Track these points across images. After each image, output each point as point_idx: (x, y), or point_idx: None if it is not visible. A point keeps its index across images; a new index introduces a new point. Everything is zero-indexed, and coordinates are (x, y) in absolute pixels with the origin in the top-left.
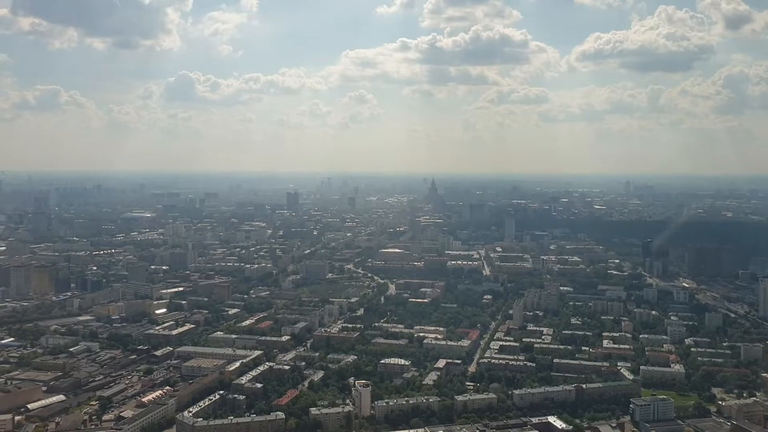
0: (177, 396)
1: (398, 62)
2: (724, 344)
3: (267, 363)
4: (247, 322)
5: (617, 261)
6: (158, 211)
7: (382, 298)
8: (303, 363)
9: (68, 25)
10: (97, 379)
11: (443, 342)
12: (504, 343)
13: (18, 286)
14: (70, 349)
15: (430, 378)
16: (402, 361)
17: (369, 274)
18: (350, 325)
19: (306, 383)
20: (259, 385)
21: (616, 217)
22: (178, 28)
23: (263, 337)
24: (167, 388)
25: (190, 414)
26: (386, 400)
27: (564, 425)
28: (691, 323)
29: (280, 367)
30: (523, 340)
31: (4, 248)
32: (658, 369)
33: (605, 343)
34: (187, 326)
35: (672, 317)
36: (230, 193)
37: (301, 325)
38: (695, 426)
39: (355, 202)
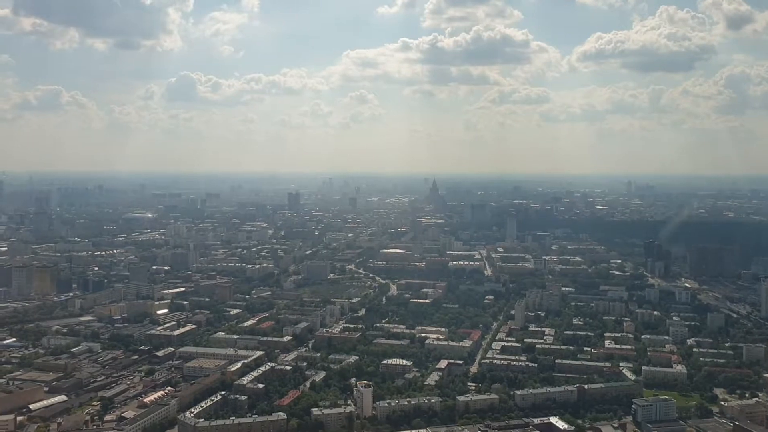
0: (179, 396)
1: (399, 62)
2: (726, 345)
3: (268, 363)
4: (249, 322)
5: (619, 261)
6: (160, 212)
7: (384, 299)
8: (304, 363)
9: (69, 26)
10: (98, 379)
11: (445, 342)
12: (506, 344)
13: (19, 287)
14: (72, 350)
15: (432, 378)
16: (404, 362)
17: (370, 275)
18: (352, 326)
19: (307, 384)
20: (260, 386)
21: (617, 218)
22: (179, 29)
23: (265, 338)
24: (169, 388)
25: (192, 414)
26: (388, 401)
27: (566, 426)
28: (693, 324)
29: (282, 367)
30: (525, 340)
31: (6, 249)
32: (660, 369)
33: (607, 343)
34: (189, 327)
35: (674, 317)
36: (232, 193)
37: (302, 326)
38: (697, 426)
39: (357, 203)
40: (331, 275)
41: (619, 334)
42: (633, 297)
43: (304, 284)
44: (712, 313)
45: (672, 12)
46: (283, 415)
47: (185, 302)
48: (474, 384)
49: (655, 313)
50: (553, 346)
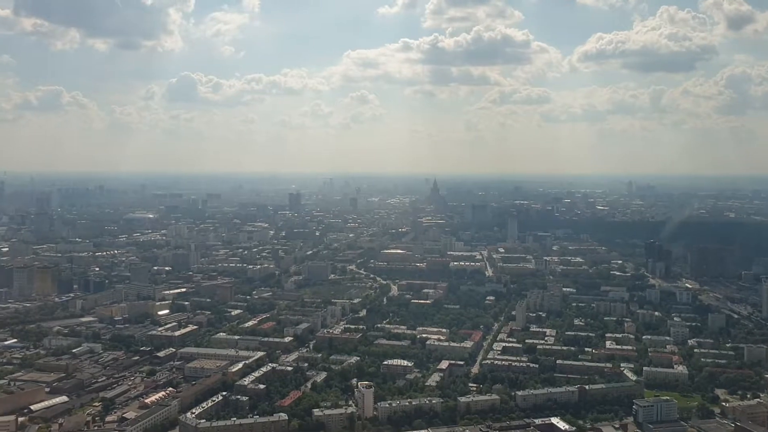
0: (180, 397)
1: (400, 63)
2: (728, 345)
3: (270, 364)
4: (250, 323)
5: (620, 262)
6: (161, 212)
7: (385, 299)
8: (306, 364)
9: (70, 26)
10: (100, 380)
11: (446, 343)
12: (507, 344)
13: (21, 287)
14: (73, 351)
15: (433, 379)
16: (405, 363)
17: (371, 275)
18: (353, 326)
19: (309, 384)
20: (261, 387)
21: (618, 218)
22: (180, 29)
23: (266, 338)
24: (170, 389)
25: (193, 415)
26: (389, 402)
27: (567, 426)
28: (694, 324)
29: (283, 368)
30: (526, 341)
31: (7, 249)
32: (661, 370)
33: (608, 344)
34: (190, 327)
35: (675, 318)
36: (232, 193)
37: (303, 326)
38: (699, 427)
39: (357, 203)
40: (332, 276)
41: (620, 335)
42: (634, 297)
43: (305, 285)
44: (713, 314)
45: (673, 12)
46: (284, 416)
47: (186, 303)
48: (475, 385)
49: (656, 313)
50: (554, 347)
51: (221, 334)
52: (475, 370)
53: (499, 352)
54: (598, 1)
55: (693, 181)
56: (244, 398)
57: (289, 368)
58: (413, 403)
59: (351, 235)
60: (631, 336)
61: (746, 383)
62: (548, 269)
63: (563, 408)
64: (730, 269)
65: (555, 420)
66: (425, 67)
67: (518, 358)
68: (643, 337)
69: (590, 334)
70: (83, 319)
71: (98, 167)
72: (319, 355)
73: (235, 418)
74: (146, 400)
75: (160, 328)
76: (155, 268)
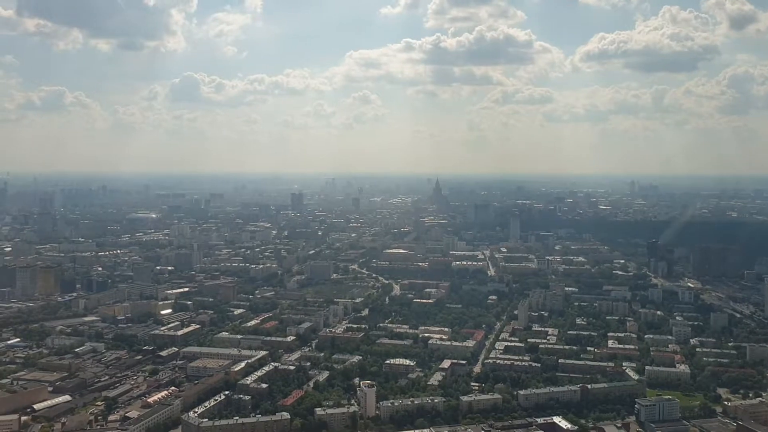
0: (182, 396)
1: (402, 63)
2: (730, 344)
3: (272, 363)
4: (253, 322)
5: (622, 261)
6: (163, 212)
7: (387, 299)
8: (308, 363)
9: (73, 27)
10: (102, 379)
11: (448, 342)
12: (509, 344)
13: (23, 287)
14: (76, 350)
15: (435, 378)
16: (407, 362)
17: (373, 275)
18: (355, 326)
19: (311, 383)
20: (264, 386)
21: (621, 218)
22: (182, 30)
23: (268, 338)
24: (173, 388)
25: (196, 414)
26: (391, 401)
27: (569, 426)
28: (696, 323)
29: (286, 367)
30: (528, 340)
31: (10, 249)
32: (663, 369)
33: (610, 343)
34: (193, 327)
35: (677, 317)
36: (235, 193)
37: (306, 326)
38: (701, 426)
39: (360, 203)
40: (335, 275)
41: (622, 334)
42: (636, 297)
43: (308, 284)
44: (716, 313)
45: (675, 12)
46: (286, 415)
47: (189, 302)
48: (477, 384)
49: (659, 312)
50: (556, 346)
51: (224, 333)
52: (477, 369)
53: (501, 352)
54: (601, 1)
55: (695, 181)
56: (247, 397)
57: (292, 367)
58: (415, 402)
59: (353, 235)
60: (634, 335)
61: (748, 382)
62: (550, 269)
63: (565, 407)
64: (733, 268)
65: (557, 419)
66: (427, 67)
67: (520, 357)
68: (646, 336)
69: (592, 334)
70: (86, 319)
71: (101, 167)
72: (322, 354)
73: (237, 418)
74: (149, 400)
75: (162, 328)
76: (158, 267)
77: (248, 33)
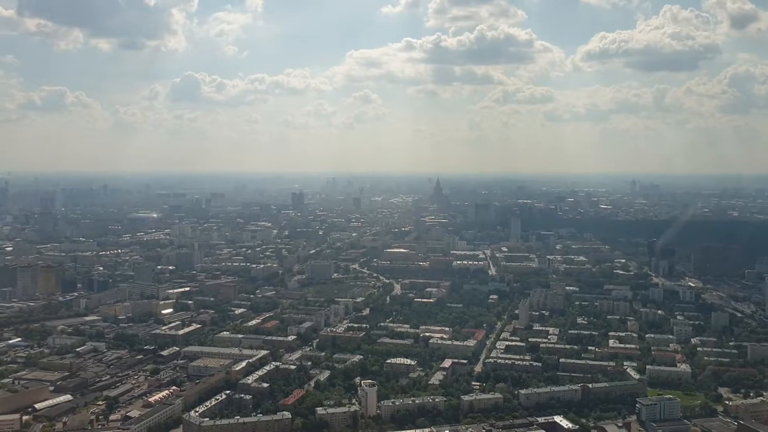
0: (183, 396)
1: (403, 62)
2: (731, 344)
3: (273, 363)
4: (254, 321)
5: (623, 260)
6: (164, 212)
7: (388, 298)
8: (309, 363)
9: (74, 26)
10: (103, 379)
11: (449, 342)
12: (510, 343)
13: (25, 287)
14: (77, 349)
15: (436, 378)
16: (408, 361)
17: (374, 274)
18: (356, 325)
19: (312, 383)
20: (265, 385)
21: (621, 217)
22: (183, 29)
23: (269, 337)
24: (174, 387)
25: (197, 414)
26: (392, 400)
27: (570, 425)
28: (697, 323)
29: (287, 366)
30: (529, 339)
31: (11, 249)
32: (664, 368)
33: (611, 342)
34: (194, 326)
35: (678, 317)
36: (236, 193)
37: (307, 325)
38: (702, 426)
39: (360, 202)
40: (335, 275)
41: (623, 334)
42: (637, 296)
43: (309, 284)
44: (717, 312)
45: (676, 11)
46: (287, 415)
47: (190, 302)
48: (478, 383)
49: (660, 312)
50: (557, 346)
51: (225, 332)
52: (478, 368)
53: (502, 351)
54: (602, 1)
55: (696, 180)
56: (248, 397)
57: (293, 367)
58: (416, 401)
59: (354, 235)
60: (634, 334)
61: (749, 382)
62: (551, 268)
63: (566, 406)
64: (734, 268)
65: (558, 418)
66: (428, 67)
67: (521, 356)
68: (646, 335)
69: (593, 333)
70: (87, 318)
71: (102, 167)
72: (323, 353)
73: (238, 417)
74: (150, 399)
75: (163, 327)
76: (159, 267)
77: (249, 32)
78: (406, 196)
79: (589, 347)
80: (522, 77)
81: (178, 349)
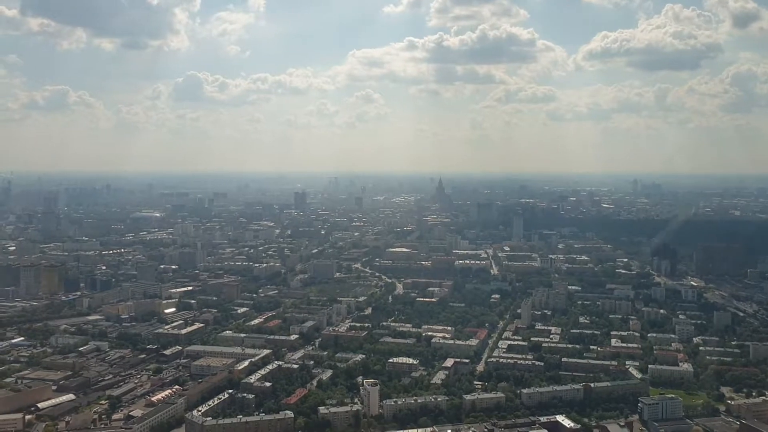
0: (186, 395)
1: (405, 61)
2: (733, 343)
3: (276, 362)
4: (256, 321)
5: (625, 260)
6: (167, 211)
7: (390, 298)
8: (311, 362)
9: (76, 26)
10: (106, 378)
11: (451, 341)
12: (512, 342)
13: (28, 286)
14: (80, 349)
15: (438, 377)
16: (410, 360)
17: (377, 274)
18: (358, 324)
19: (314, 382)
20: (267, 384)
21: (624, 216)
22: (186, 29)
23: (272, 336)
24: (176, 387)
25: (200, 413)
26: (394, 399)
27: (572, 424)
28: (699, 322)
29: (289, 366)
30: (532, 339)
31: (14, 248)
32: (666, 368)
33: (613, 341)
34: (196, 325)
35: (680, 316)
36: (238, 192)
37: (309, 324)
38: (704, 425)
39: (363, 202)
40: (338, 274)
41: (625, 333)
42: (639, 295)
43: (311, 283)
44: (719, 312)
45: (678, 10)
46: (290, 414)
47: (193, 301)
48: (480, 382)
49: (662, 311)
50: (559, 345)
51: (227, 332)
52: (480, 368)
53: (504, 350)
54: (603, 0)
55: (698, 180)
56: (250, 396)
57: (295, 366)
58: (418, 400)
59: (356, 234)
60: (637, 334)
61: (752, 381)
62: (553, 267)
63: (568, 406)
64: (736, 267)
65: (560, 418)
66: (430, 66)
67: (523, 356)
68: (649, 334)
69: (595, 332)
70: (90, 318)
71: (105, 166)
72: (325, 353)
73: (241, 416)
74: (153, 398)
75: (166, 327)
76: (162, 266)
77: (251, 32)
78: (409, 195)
79: (592, 346)
80: (524, 76)
81: (180, 348)
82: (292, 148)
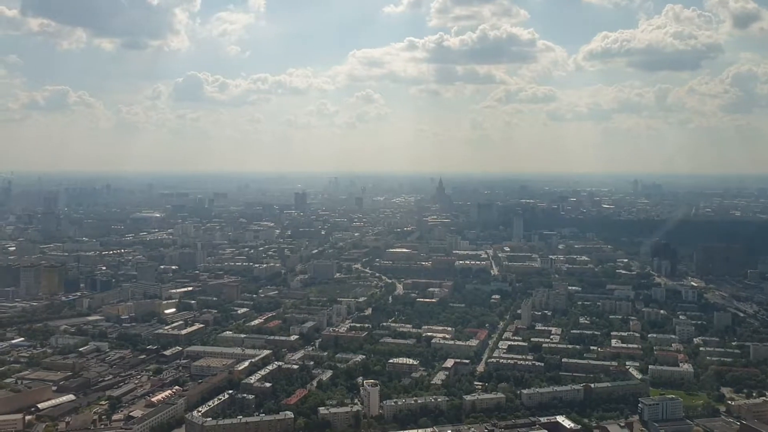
0: (186, 395)
1: (405, 62)
2: (733, 343)
3: (276, 362)
4: (256, 321)
5: (626, 260)
6: (167, 211)
7: (390, 298)
8: (311, 362)
9: (77, 26)
10: (106, 378)
11: (451, 342)
12: (512, 343)
13: (28, 286)
14: (80, 349)
15: (439, 378)
16: (410, 361)
17: (377, 274)
18: (358, 325)
19: (314, 383)
20: (267, 385)
21: (624, 217)
22: (186, 29)
23: (272, 337)
24: (176, 387)
25: (199, 413)
26: (394, 400)
27: (572, 425)
28: (699, 322)
29: (289, 366)
30: (532, 339)
31: (14, 248)
32: (666, 368)
33: (614, 342)
34: (197, 326)
35: (680, 316)
36: (239, 193)
37: (309, 325)
38: (704, 425)
39: (363, 202)
40: (338, 274)
41: (625, 333)
42: (639, 296)
43: (311, 283)
44: (719, 312)
45: (678, 11)
46: (290, 414)
47: (193, 301)
48: (480, 383)
49: (662, 312)
50: (559, 345)
51: (227, 332)
52: (480, 368)
53: (504, 351)
54: (604, 0)
55: (699, 180)
56: (250, 396)
57: (295, 366)
58: (419, 401)
59: (356, 234)
60: (637, 334)
61: (752, 381)
62: (554, 268)
63: (569, 406)
64: (736, 267)
65: (560, 418)
66: (430, 66)
67: (524, 356)
68: (649, 335)
69: (596, 333)
70: (90, 318)
71: (105, 167)
72: (325, 353)
73: (241, 417)
74: (153, 399)
75: (166, 327)
76: (162, 266)
77: (251, 32)
78: (409, 195)
79: (592, 347)
80: (524, 77)
81: (180, 348)
82: (292, 149)
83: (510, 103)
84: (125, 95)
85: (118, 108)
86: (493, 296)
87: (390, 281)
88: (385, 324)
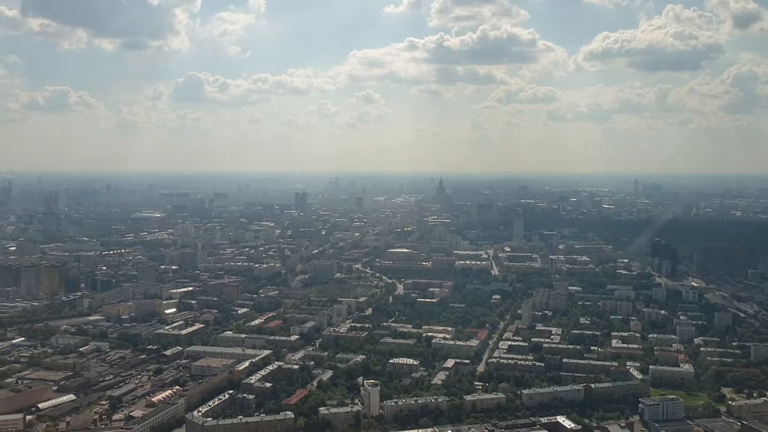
0: (186, 395)
1: (406, 62)
2: (734, 344)
3: (276, 362)
4: (257, 321)
5: (626, 260)
6: (168, 211)
7: (391, 298)
8: (312, 362)
9: (77, 26)
10: (107, 378)
11: (452, 342)
12: (513, 343)
13: (28, 286)
14: (80, 349)
15: (439, 378)
16: (410, 361)
17: (377, 274)
18: (359, 325)
19: (315, 383)
20: (268, 385)
21: (624, 217)
22: (186, 29)
23: (272, 337)
24: (177, 387)
25: (200, 413)
26: (395, 400)
27: (573, 425)
28: (700, 323)
29: (289, 366)
30: (532, 339)
31: (15, 248)
32: (667, 369)
33: (614, 342)
34: (197, 326)
35: (681, 317)
36: (239, 193)
37: (309, 325)
38: (705, 426)
39: (363, 202)
40: (338, 274)
41: (626, 334)
42: (640, 296)
43: (311, 283)
44: (720, 312)
45: (678, 11)
46: (290, 414)
47: (193, 301)
48: (481, 383)
49: (662, 312)
50: (560, 346)
51: (228, 332)
52: (480, 368)
53: (504, 351)
54: (604, 0)
55: (699, 180)
56: (251, 396)
57: (296, 367)
58: (419, 401)
59: (357, 234)
60: (637, 334)
61: (752, 382)
62: (554, 268)
63: (569, 406)
64: (736, 268)
65: (561, 418)
66: (431, 66)
67: (524, 356)
68: (649, 335)
69: (596, 333)
70: (90, 318)
71: (105, 167)
72: (326, 353)
73: (241, 417)
74: (153, 399)
75: (167, 327)
76: (162, 267)
77: (252, 32)
78: (409, 195)
79: (592, 347)
80: (525, 77)
81: (181, 348)
82: (293, 149)
83: (510, 103)
84: (126, 95)
85: (119, 108)
86: (494, 296)
87: (390, 281)
88: (385, 324)
